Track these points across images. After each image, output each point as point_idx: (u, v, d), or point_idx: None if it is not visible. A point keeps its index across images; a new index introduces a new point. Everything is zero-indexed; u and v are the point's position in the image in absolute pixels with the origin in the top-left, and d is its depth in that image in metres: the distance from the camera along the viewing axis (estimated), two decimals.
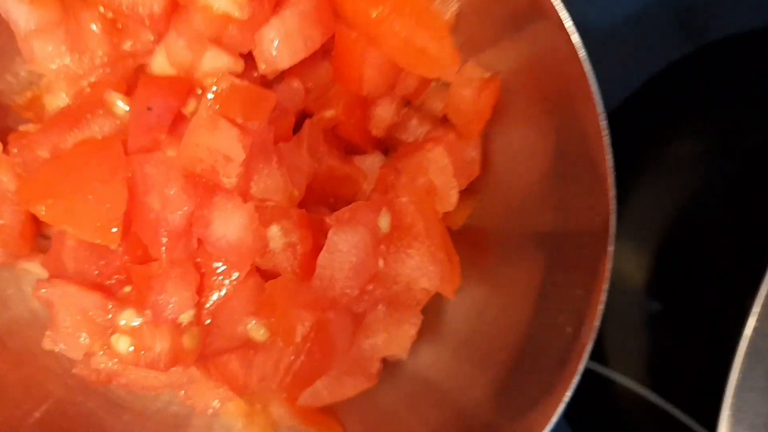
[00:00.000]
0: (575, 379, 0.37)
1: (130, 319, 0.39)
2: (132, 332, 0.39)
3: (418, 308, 0.45)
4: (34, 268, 0.46)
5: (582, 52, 0.38)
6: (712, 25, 0.59)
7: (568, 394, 0.37)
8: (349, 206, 0.41)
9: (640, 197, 0.58)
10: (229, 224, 0.39)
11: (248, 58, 0.44)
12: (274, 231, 0.41)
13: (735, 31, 0.59)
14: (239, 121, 0.38)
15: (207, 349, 0.41)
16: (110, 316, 0.40)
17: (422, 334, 0.47)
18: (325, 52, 0.45)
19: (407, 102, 0.47)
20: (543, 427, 0.38)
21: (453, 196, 0.44)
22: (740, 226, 0.56)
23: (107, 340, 0.40)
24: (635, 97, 0.60)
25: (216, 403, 0.44)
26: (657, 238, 0.57)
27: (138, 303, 0.39)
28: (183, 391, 0.45)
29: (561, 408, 0.37)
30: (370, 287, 0.42)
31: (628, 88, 0.59)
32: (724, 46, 0.59)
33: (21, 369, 0.47)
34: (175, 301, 0.39)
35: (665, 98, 0.60)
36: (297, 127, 0.45)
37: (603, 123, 0.37)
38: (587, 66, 0.38)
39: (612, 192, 0.37)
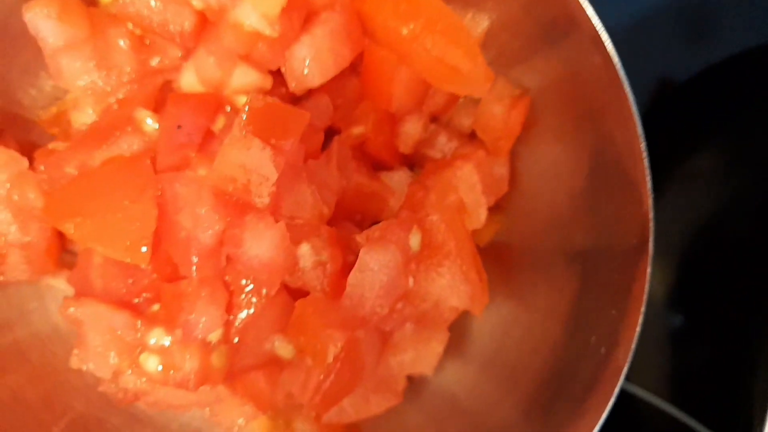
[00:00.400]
0: (610, 402, 0.36)
1: (159, 338, 0.39)
2: (161, 351, 0.39)
3: (445, 326, 0.44)
4: (59, 284, 0.46)
5: (619, 66, 0.37)
6: (722, 36, 0.59)
7: (603, 417, 0.36)
8: (380, 224, 0.41)
9: (662, 211, 0.58)
10: (261, 243, 0.39)
11: (275, 74, 0.44)
12: (305, 249, 0.41)
13: (753, 43, 0.59)
14: (272, 140, 0.38)
15: (234, 367, 0.41)
16: (139, 335, 0.39)
17: (447, 351, 0.47)
18: (352, 68, 0.45)
19: (435, 118, 0.47)
20: None
21: (482, 214, 0.43)
22: (763, 239, 0.55)
23: (136, 359, 0.39)
24: (654, 110, 0.59)
25: (241, 421, 0.44)
26: (679, 252, 0.57)
27: (167, 322, 0.39)
28: (208, 409, 0.45)
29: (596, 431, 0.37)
30: (399, 305, 0.42)
31: (641, 103, 0.59)
32: (744, 59, 0.59)
33: (43, 383, 0.47)
34: (205, 321, 0.39)
35: (686, 111, 0.60)
36: (324, 143, 0.45)
37: (641, 138, 0.37)
38: (624, 79, 0.37)
39: (650, 211, 0.37)
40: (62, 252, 0.46)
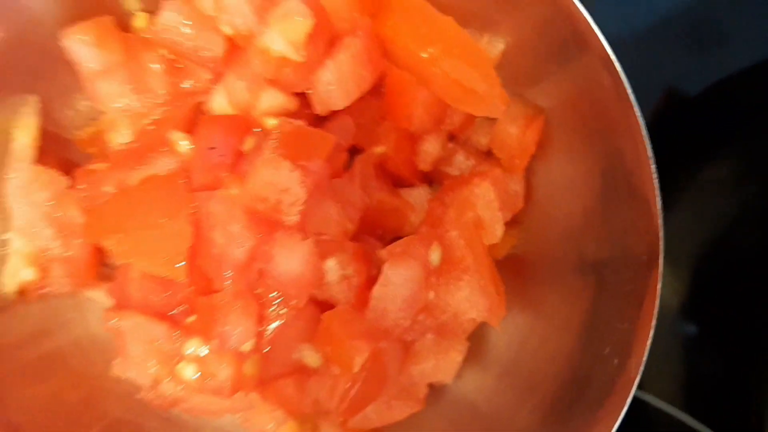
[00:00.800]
0: (623, 412, 0.38)
1: (196, 348, 0.41)
2: (198, 360, 0.41)
3: (464, 336, 0.46)
4: (97, 296, 0.49)
5: (627, 85, 0.39)
6: (730, 48, 0.60)
7: (617, 425, 0.38)
8: (401, 240, 0.43)
9: (674, 221, 0.59)
10: (290, 259, 0.41)
11: (300, 96, 0.46)
12: (331, 264, 0.43)
13: (760, 55, 0.59)
14: (300, 161, 0.40)
15: (265, 375, 0.43)
16: (177, 345, 0.42)
17: (466, 360, 0.49)
18: (374, 89, 0.46)
19: (453, 137, 0.49)
20: None
21: (499, 229, 0.45)
22: None
23: (173, 368, 0.42)
24: (664, 122, 0.60)
25: (271, 426, 0.46)
26: (691, 262, 0.58)
27: (203, 332, 0.41)
28: (240, 414, 0.47)
29: None
30: (420, 317, 0.44)
31: (650, 115, 0.60)
32: (752, 72, 0.60)
33: (81, 388, 0.49)
34: (239, 332, 0.41)
35: (695, 123, 0.61)
36: (347, 162, 0.47)
37: (650, 154, 0.39)
38: (633, 98, 0.39)
39: (660, 225, 0.38)
40: (100, 266, 0.48)
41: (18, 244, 0.46)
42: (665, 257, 0.62)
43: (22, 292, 0.46)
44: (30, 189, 0.45)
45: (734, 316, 0.57)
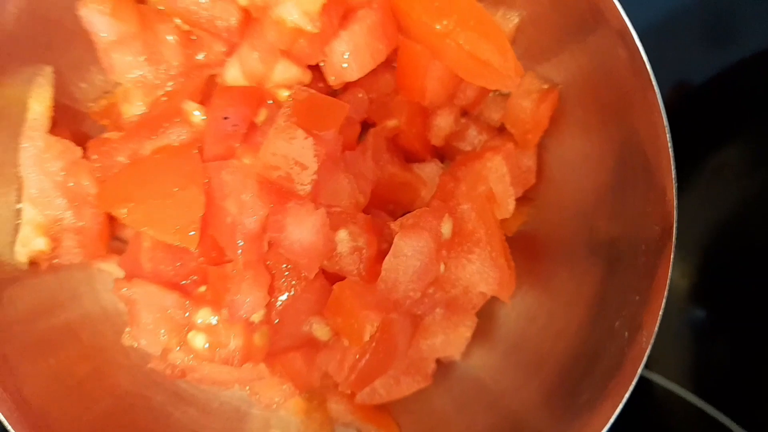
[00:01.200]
0: (632, 384, 0.38)
1: (206, 317, 0.41)
2: (208, 330, 0.41)
3: (474, 311, 0.46)
4: (109, 268, 0.49)
5: (646, 59, 0.39)
6: (745, 36, 0.59)
7: (625, 400, 0.38)
8: (413, 213, 0.43)
9: (686, 206, 0.59)
10: (302, 229, 0.41)
11: (314, 69, 0.46)
12: (342, 235, 0.43)
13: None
14: (314, 130, 0.40)
15: (274, 346, 0.43)
16: (188, 314, 0.42)
17: (475, 336, 0.49)
18: (387, 63, 0.46)
19: (465, 112, 0.49)
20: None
21: (510, 204, 0.45)
22: None
23: (184, 337, 0.42)
24: (678, 108, 0.60)
25: (279, 399, 0.46)
26: (702, 247, 0.58)
27: (214, 302, 0.41)
28: (248, 387, 0.47)
29: (617, 412, 0.39)
30: (430, 291, 0.44)
31: (665, 101, 0.60)
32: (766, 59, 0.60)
33: (92, 360, 0.49)
34: (249, 301, 0.41)
35: (709, 109, 0.61)
36: (360, 136, 0.47)
37: (666, 129, 0.38)
38: (650, 72, 0.39)
39: (674, 199, 0.38)
40: (112, 238, 0.49)
41: (30, 214, 0.46)
42: (675, 242, 0.62)
43: (34, 263, 0.47)
44: (43, 158, 0.45)
45: (743, 301, 0.56)
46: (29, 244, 0.46)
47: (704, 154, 0.60)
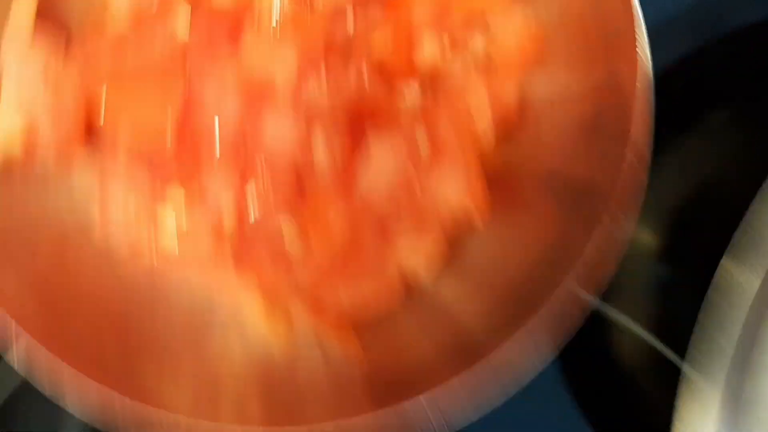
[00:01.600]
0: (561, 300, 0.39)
1: (178, 199, 0.42)
2: (179, 212, 0.42)
3: (443, 226, 0.47)
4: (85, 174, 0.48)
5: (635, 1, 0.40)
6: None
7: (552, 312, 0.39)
8: (389, 119, 0.44)
9: (661, 164, 0.60)
10: (279, 129, 0.42)
11: None
12: (318, 137, 0.43)
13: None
14: (296, 34, 0.41)
15: (243, 243, 0.44)
16: (158, 195, 0.42)
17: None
18: None
19: (451, 42, 0.50)
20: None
21: (489, 134, 0.46)
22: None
23: (154, 217, 0.42)
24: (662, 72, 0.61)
25: (243, 298, 0.47)
26: (673, 206, 0.59)
27: (186, 186, 0.42)
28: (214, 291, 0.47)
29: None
30: (402, 199, 0.44)
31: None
32: (752, 30, 0.61)
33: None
34: (222, 193, 0.42)
35: (700, 69, 0.62)
36: (344, 50, 0.48)
37: (647, 71, 0.40)
38: (639, 16, 0.40)
39: (648, 146, 0.39)
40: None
41: (8, 96, 0.46)
42: (646, 202, 0.63)
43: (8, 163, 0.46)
44: (26, 48, 0.46)
45: (713, 263, 0.58)
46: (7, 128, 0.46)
47: (683, 115, 0.61)
